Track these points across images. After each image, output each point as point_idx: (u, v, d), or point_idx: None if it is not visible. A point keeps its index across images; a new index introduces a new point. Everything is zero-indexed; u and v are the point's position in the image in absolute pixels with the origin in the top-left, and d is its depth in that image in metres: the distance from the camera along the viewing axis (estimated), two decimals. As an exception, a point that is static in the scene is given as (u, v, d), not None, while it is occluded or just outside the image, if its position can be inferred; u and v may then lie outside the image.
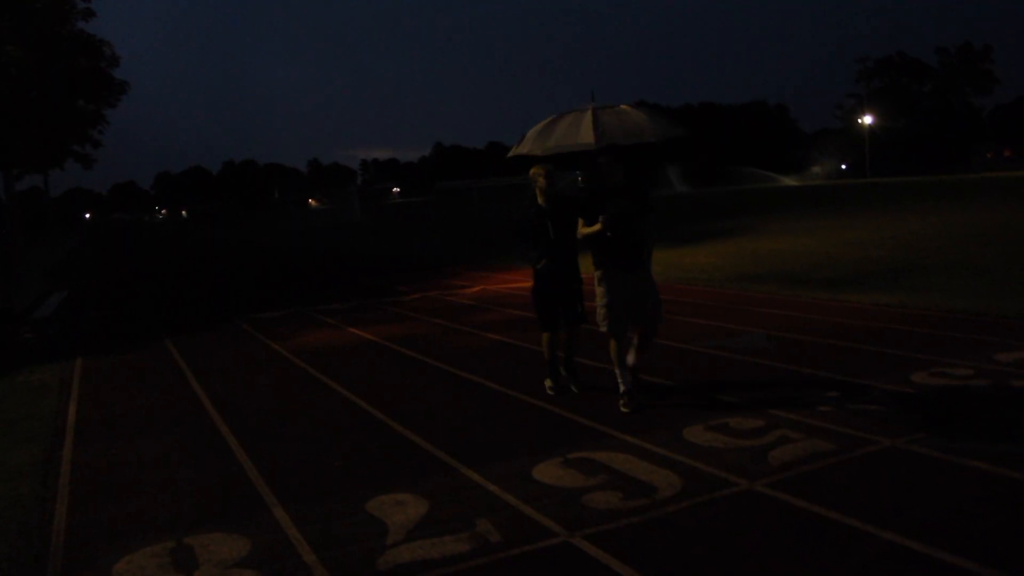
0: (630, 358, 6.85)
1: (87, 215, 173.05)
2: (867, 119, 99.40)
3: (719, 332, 9.73)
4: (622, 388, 6.66)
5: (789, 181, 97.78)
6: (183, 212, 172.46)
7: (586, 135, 6.50)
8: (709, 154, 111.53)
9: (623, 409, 6.54)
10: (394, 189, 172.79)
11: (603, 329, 6.77)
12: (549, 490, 5.00)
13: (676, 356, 8.66)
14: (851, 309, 10.72)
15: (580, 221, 6.84)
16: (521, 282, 16.52)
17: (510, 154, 7.34)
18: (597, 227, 6.60)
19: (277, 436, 6.73)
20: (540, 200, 7.26)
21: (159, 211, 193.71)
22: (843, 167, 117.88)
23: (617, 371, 6.72)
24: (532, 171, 7.20)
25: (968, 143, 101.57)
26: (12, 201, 35.58)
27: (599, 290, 6.78)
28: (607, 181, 6.76)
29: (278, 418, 7.32)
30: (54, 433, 7.22)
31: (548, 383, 7.38)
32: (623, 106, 6.95)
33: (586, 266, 7.08)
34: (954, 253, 16.09)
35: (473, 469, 5.46)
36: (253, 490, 5.41)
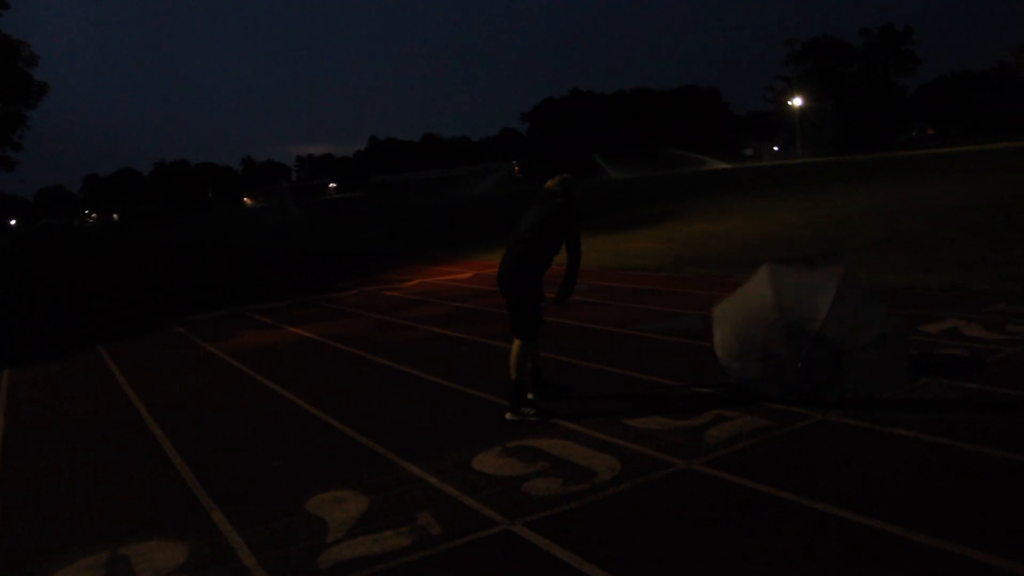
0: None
1: (12, 222, 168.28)
2: (796, 101, 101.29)
3: (656, 316, 9.83)
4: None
5: (720, 164, 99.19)
6: (114, 215, 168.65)
7: None
8: (643, 139, 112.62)
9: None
10: (330, 184, 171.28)
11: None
12: (489, 479, 5.01)
13: (613, 341, 8.73)
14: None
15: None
16: (458, 274, 16.51)
17: None
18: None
19: (214, 439, 6.62)
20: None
21: (89, 215, 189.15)
22: (775, 148, 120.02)
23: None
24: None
25: (894, 122, 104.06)
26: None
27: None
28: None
29: (215, 421, 7.21)
30: (-19, 447, 7.01)
31: (531, 411, 6.26)
32: None
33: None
34: (882, 229, 16.49)
35: (413, 462, 5.44)
36: (190, 495, 5.32)
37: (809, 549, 3.81)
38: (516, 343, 6.37)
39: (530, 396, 6.39)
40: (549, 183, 6.72)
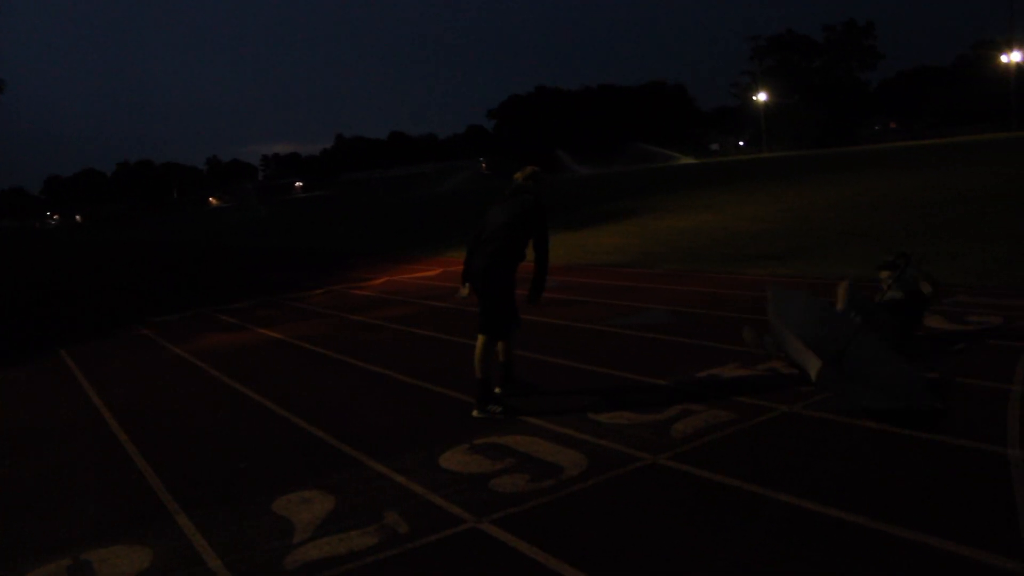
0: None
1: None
2: (761, 96, 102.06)
3: (622, 311, 9.87)
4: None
5: (686, 159, 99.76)
6: (77, 217, 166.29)
7: None
8: (609, 135, 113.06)
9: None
10: (297, 183, 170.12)
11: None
12: (456, 477, 5.00)
13: (581, 337, 8.75)
14: (749, 281, 11.01)
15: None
16: (426, 272, 16.47)
17: None
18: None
19: (180, 442, 6.55)
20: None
21: (51, 217, 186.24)
22: (740, 143, 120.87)
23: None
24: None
25: (857, 116, 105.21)
26: None
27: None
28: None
29: (180, 423, 7.13)
30: (-60, 454, 6.89)
31: (498, 408, 6.25)
32: None
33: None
34: (846, 222, 16.67)
35: (380, 461, 5.42)
36: (155, 499, 5.26)
37: (775, 541, 3.85)
38: (480, 339, 6.37)
39: (497, 390, 6.39)
40: (518, 175, 6.69)
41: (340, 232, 34.93)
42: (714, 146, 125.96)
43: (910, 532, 3.77)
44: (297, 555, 4.20)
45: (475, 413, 6.21)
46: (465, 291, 6.62)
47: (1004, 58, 77.27)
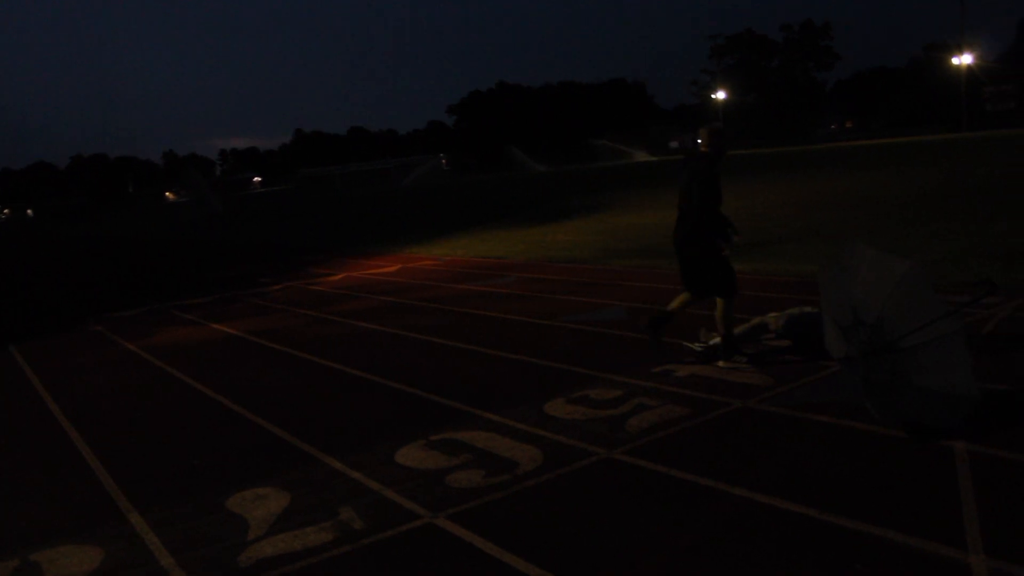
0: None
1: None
2: (720, 94, 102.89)
3: (580, 307, 9.92)
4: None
5: (645, 156, 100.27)
6: (28, 211, 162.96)
7: None
8: (570, 132, 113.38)
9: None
10: (255, 178, 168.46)
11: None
12: (412, 473, 5.00)
13: (539, 333, 8.78)
14: (706, 278, 11.10)
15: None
16: (384, 268, 16.41)
17: None
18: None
19: (133, 440, 6.48)
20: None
21: (1, 211, 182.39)
22: (699, 141, 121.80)
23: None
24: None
25: (814, 116, 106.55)
26: None
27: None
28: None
29: (134, 421, 7.04)
30: None
31: (743, 358, 6.76)
32: None
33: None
34: (802, 220, 16.88)
35: (335, 457, 5.41)
36: (107, 498, 5.19)
37: (726, 534, 3.91)
38: (720, 303, 6.78)
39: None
40: (701, 141, 7.02)
41: (298, 227, 34.64)
42: (674, 143, 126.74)
43: (857, 523, 3.85)
44: (251, 552, 4.18)
45: (721, 364, 6.72)
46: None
47: (955, 60, 78.72)
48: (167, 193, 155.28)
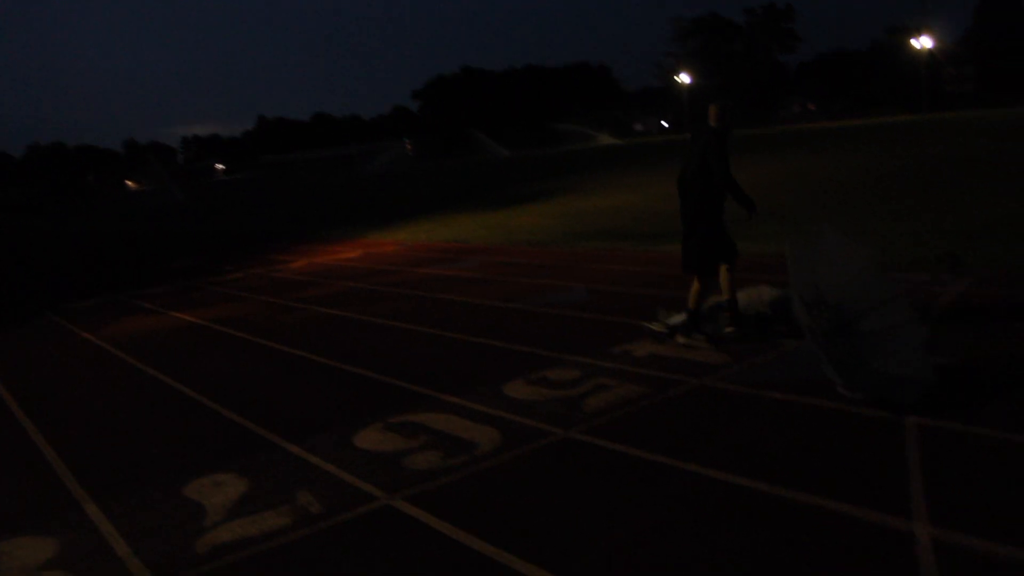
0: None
1: None
2: (684, 77, 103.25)
3: (542, 289, 9.95)
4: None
5: (609, 139, 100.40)
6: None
7: None
8: (535, 116, 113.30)
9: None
10: (218, 166, 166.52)
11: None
12: (370, 456, 5.01)
13: (499, 316, 8.80)
14: (667, 259, 11.18)
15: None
16: (347, 253, 16.34)
17: None
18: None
19: (89, 430, 6.42)
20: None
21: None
22: (664, 124, 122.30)
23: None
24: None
25: (776, 98, 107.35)
26: None
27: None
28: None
29: (91, 411, 6.98)
30: None
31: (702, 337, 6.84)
32: None
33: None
34: (762, 201, 16.98)
35: (294, 443, 5.40)
36: (63, 488, 5.15)
37: (680, 509, 3.96)
38: (723, 271, 6.82)
39: (729, 330, 6.85)
40: (710, 117, 6.96)
41: (262, 215, 34.37)
42: (638, 126, 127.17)
43: (806, 496, 3.92)
44: (208, 538, 4.17)
45: (680, 339, 6.79)
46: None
47: (915, 43, 79.59)
48: (128, 182, 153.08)
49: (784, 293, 7.01)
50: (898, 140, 34.69)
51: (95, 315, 12.02)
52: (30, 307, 13.80)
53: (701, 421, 5.11)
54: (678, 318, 7.07)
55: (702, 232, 6.81)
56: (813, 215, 13.86)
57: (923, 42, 78.28)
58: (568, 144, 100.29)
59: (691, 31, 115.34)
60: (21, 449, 6.07)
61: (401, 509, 4.24)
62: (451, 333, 8.14)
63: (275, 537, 4.10)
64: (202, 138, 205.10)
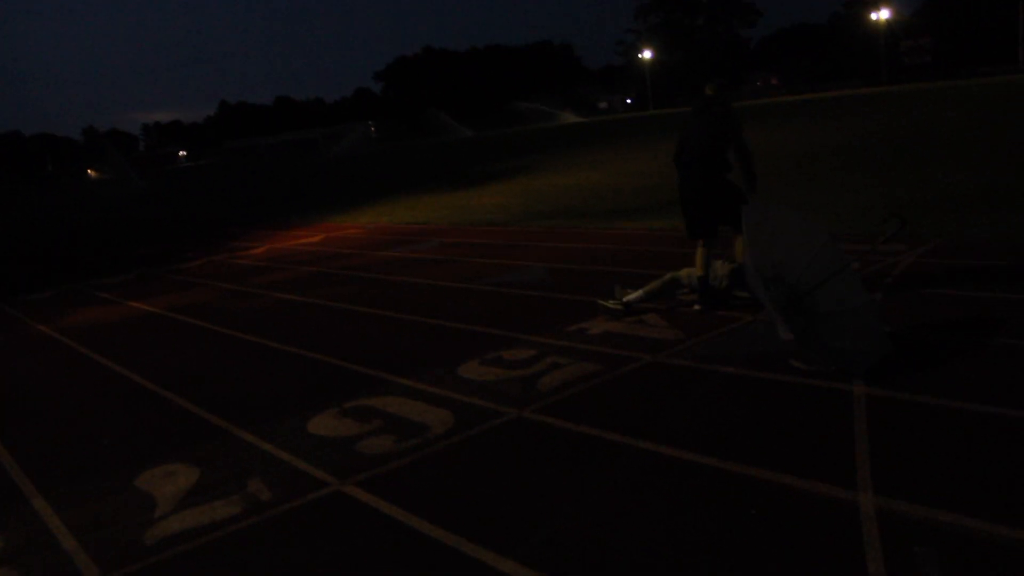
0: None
1: None
2: (646, 54, 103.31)
3: (501, 269, 9.93)
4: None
5: (572, 118, 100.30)
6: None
7: None
8: (497, 96, 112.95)
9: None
10: (180, 152, 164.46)
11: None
12: (324, 442, 4.99)
13: (456, 296, 8.78)
14: (626, 236, 11.22)
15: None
16: (308, 238, 16.22)
17: None
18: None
19: (40, 422, 6.33)
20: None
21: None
22: (628, 101, 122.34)
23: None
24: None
25: (739, 73, 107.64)
26: None
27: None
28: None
29: (40, 403, 6.87)
30: None
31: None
32: None
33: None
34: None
35: (248, 430, 5.36)
36: (9, 482, 5.08)
37: (630, 488, 3.98)
38: (700, 247, 6.95)
39: (696, 308, 6.99)
40: (708, 88, 7.03)
41: (224, 201, 33.99)
42: (602, 104, 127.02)
43: (754, 470, 3.95)
44: (157, 530, 4.13)
45: (696, 308, 6.93)
46: None
47: (873, 16, 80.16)
48: (89, 171, 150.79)
49: (738, 267, 7.04)
50: (857, 112, 34.96)
51: (52, 306, 11.83)
52: (-17, 300, 13.55)
53: (654, 398, 5.14)
54: (634, 295, 7.09)
55: (716, 199, 6.90)
56: (775, 190, 13.93)
57: (881, 15, 78.88)
58: (531, 123, 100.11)
59: (652, 7, 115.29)
60: (-31, 445, 5.97)
61: (352, 495, 4.23)
62: (408, 315, 8.10)
63: (224, 526, 4.07)
64: (163, 125, 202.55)
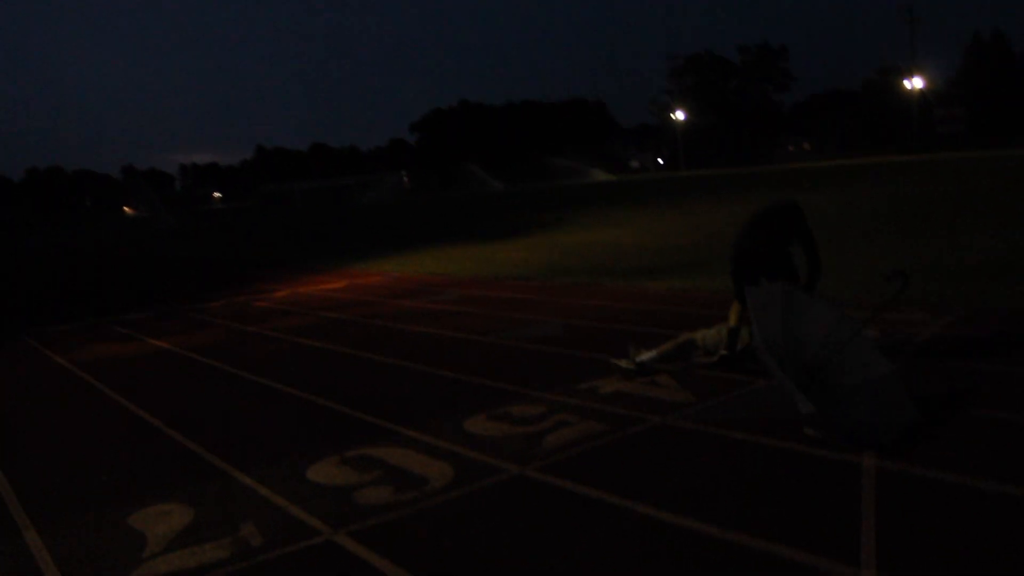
0: None
1: None
2: (679, 115, 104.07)
3: (517, 323, 9.88)
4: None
5: (602, 175, 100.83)
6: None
7: None
8: (531, 151, 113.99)
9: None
10: (215, 194, 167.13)
11: None
12: (321, 489, 4.92)
13: (471, 349, 8.73)
14: (646, 295, 11.15)
15: None
16: (332, 284, 16.29)
17: None
18: None
19: (44, 455, 6.31)
20: None
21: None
22: (660, 161, 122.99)
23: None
24: None
25: (771, 137, 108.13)
26: None
27: None
28: None
29: (48, 436, 6.87)
30: None
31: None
32: None
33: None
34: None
35: (247, 474, 5.30)
36: (6, 513, 5.04)
37: (629, 551, 3.87)
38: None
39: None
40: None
41: (253, 243, 34.34)
42: (634, 163, 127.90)
43: (755, 540, 3.83)
44: (144, 569, 4.06)
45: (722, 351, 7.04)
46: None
47: (907, 84, 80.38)
48: (125, 208, 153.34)
49: (733, 328, 7.03)
50: (888, 179, 34.85)
51: (72, 338, 11.92)
52: (8, 330, 13.68)
53: (659, 460, 5.03)
54: (647, 355, 7.01)
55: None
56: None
57: (914, 83, 79.07)
58: (562, 179, 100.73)
59: (686, 69, 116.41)
60: (-29, 475, 5.95)
61: (342, 544, 4.14)
62: (420, 366, 8.06)
63: (211, 570, 4.00)
64: (200, 166, 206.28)
